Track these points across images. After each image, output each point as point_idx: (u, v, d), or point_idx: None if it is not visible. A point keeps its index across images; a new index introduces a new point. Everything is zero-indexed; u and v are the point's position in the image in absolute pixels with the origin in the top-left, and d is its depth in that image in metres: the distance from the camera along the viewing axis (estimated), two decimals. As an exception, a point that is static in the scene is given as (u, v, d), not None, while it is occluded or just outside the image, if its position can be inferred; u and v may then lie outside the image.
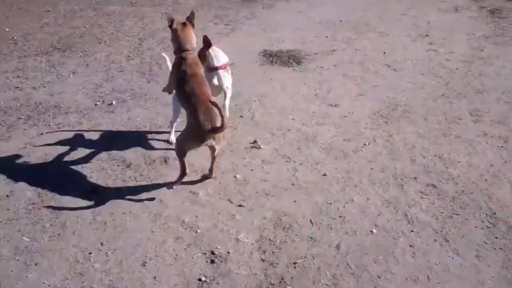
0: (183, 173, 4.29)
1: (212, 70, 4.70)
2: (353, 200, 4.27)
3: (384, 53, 7.27)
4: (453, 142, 5.06)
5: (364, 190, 4.38)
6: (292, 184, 4.47)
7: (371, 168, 4.67)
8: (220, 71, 4.73)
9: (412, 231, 3.92)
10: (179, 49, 4.29)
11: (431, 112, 5.57)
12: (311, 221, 4.03)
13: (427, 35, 7.98)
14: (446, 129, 5.28)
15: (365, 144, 5.03)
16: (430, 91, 6.12)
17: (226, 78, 4.80)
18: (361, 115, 5.58)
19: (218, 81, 4.74)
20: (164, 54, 5.24)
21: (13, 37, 7.92)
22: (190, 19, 4.38)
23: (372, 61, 6.98)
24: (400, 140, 5.09)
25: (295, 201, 4.26)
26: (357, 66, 6.85)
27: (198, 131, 4.04)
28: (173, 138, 5.00)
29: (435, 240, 3.84)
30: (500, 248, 3.76)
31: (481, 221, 4.02)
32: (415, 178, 4.53)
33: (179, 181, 4.33)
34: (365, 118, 5.51)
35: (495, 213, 4.10)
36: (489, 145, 5.02)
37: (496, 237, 3.86)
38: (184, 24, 4.34)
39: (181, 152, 4.22)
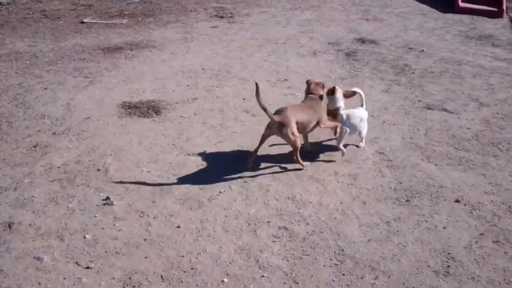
0: None
1: None
2: (206, 250, 4.22)
3: (244, 99, 7.39)
4: (305, 183, 5.19)
5: (217, 239, 4.35)
6: (144, 240, 4.34)
7: (225, 216, 4.66)
8: None
9: (263, 276, 3.93)
10: None
11: (286, 155, 5.69)
12: (162, 277, 3.92)
13: (286, 80, 8.21)
14: (299, 171, 5.41)
15: (220, 192, 5.02)
16: (285, 134, 6.27)
17: None
18: (218, 162, 5.59)
19: None
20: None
21: None
22: None
23: (232, 108, 7.07)
24: (255, 184, 5.15)
25: (146, 257, 4.13)
26: (217, 113, 6.90)
27: None
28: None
29: (285, 283, 3.87)
30: (347, 285, 3.87)
31: (329, 259, 4.12)
32: (268, 222, 4.58)
33: None
34: (221, 165, 5.52)
35: (343, 250, 4.22)
36: (340, 183, 5.21)
37: (343, 274, 3.97)
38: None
39: None
